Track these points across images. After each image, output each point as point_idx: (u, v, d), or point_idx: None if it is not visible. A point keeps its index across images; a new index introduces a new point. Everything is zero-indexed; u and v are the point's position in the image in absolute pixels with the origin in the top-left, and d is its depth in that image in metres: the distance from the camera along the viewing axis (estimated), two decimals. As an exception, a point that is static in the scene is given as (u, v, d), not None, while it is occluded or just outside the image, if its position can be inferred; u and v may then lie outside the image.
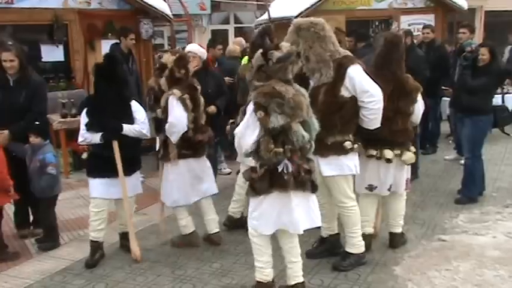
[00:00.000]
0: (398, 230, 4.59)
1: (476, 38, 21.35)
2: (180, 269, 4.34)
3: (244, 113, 3.67)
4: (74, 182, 7.01)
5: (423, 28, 8.46)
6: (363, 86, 3.85)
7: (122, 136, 4.38)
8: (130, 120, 4.43)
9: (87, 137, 4.39)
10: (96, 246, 4.49)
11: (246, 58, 6.09)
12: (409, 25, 10.92)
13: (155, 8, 8.53)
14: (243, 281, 4.05)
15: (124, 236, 4.73)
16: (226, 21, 19.66)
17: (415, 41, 7.76)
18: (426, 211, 5.51)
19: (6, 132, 4.85)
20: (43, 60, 8.18)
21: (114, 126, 4.36)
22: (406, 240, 4.66)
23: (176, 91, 4.45)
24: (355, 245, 4.19)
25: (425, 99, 7.67)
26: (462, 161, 7.41)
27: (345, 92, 3.89)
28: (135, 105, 4.52)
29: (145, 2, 8.42)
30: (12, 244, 4.96)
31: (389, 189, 4.40)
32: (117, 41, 7.68)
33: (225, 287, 4.01)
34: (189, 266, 4.38)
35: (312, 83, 3.99)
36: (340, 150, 3.96)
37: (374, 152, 4.25)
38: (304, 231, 3.60)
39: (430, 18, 10.93)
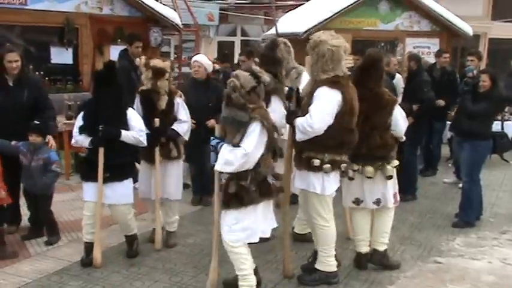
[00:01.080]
0: (381, 247, 4.55)
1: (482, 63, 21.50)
2: (176, 276, 4.37)
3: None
4: (74, 184, 7.04)
5: (442, 52, 8.48)
6: (312, 106, 3.93)
7: (111, 142, 4.41)
8: (125, 127, 4.48)
9: (78, 139, 4.50)
10: (90, 247, 4.55)
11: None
12: (414, 47, 11.07)
13: (165, 17, 8.66)
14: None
15: (128, 238, 4.80)
16: (233, 33, 19.84)
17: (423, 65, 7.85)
18: (423, 233, 5.55)
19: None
20: (52, 62, 8.28)
21: (112, 132, 4.41)
22: (394, 261, 4.61)
23: None
24: (323, 262, 4.22)
25: (432, 123, 7.97)
26: (461, 185, 7.49)
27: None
28: (131, 113, 4.59)
29: (156, 11, 8.55)
30: (11, 242, 5.00)
31: (377, 203, 4.43)
32: (126, 47, 7.78)
33: (220, 297, 4.05)
34: (185, 274, 4.41)
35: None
36: (309, 166, 4.03)
37: (356, 167, 4.30)
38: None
39: (435, 42, 11.08)
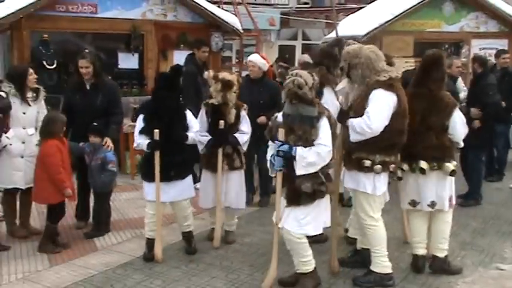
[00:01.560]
0: (441, 254, 4.47)
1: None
2: (233, 274, 4.49)
3: None
4: (139, 184, 7.28)
5: (502, 53, 8.21)
6: (370, 108, 3.97)
7: (167, 145, 4.58)
8: (185, 128, 4.70)
9: (139, 142, 4.68)
10: (151, 243, 4.75)
11: None
12: (481, 49, 10.73)
13: (227, 23, 8.87)
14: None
15: (184, 235, 4.97)
16: (294, 37, 19.93)
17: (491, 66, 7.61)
18: (486, 238, 5.39)
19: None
20: (119, 67, 8.70)
21: (180, 135, 4.65)
22: (455, 267, 4.52)
23: None
24: (377, 263, 4.21)
25: (494, 126, 7.70)
26: None
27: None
28: (189, 115, 4.81)
29: (217, 16, 8.78)
30: (79, 236, 5.33)
31: (431, 206, 4.37)
32: (191, 52, 8.08)
33: (275, 294, 4.12)
34: (242, 272, 4.52)
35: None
36: (360, 166, 4.07)
37: (408, 167, 4.30)
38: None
39: (503, 43, 10.66)
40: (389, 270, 4.23)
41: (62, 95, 6.00)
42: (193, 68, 7.05)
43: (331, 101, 4.69)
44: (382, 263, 4.21)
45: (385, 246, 4.21)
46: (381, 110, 3.97)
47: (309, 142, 3.85)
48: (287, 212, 3.97)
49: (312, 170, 3.85)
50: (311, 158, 3.81)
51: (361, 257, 4.51)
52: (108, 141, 5.33)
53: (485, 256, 4.90)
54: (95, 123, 5.29)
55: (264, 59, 6.49)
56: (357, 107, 4.09)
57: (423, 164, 4.25)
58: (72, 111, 5.34)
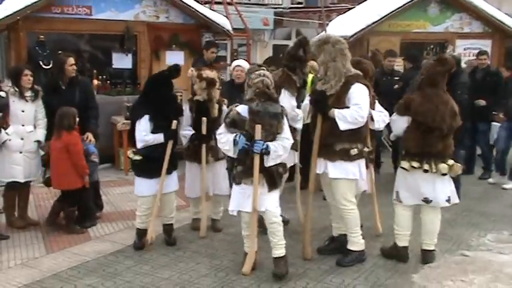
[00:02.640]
0: (432, 247, 4.83)
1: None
2: (216, 260, 4.83)
3: None
4: (132, 179, 7.61)
5: (480, 54, 8.50)
6: (355, 99, 4.38)
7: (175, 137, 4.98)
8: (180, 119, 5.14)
9: (149, 139, 4.88)
10: (142, 233, 5.07)
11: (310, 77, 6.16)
12: (465, 49, 11.06)
13: (217, 23, 9.18)
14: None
15: (167, 227, 5.28)
16: (288, 37, 20.21)
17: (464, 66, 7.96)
18: (456, 229, 5.74)
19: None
20: (114, 66, 9.01)
21: (176, 130, 5.01)
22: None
23: None
24: (356, 243, 4.68)
25: (476, 124, 8.02)
26: (505, 186, 7.54)
27: (348, 104, 4.42)
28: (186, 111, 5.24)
29: (208, 18, 9.09)
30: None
31: (448, 201, 4.71)
32: (181, 51, 8.55)
33: (255, 277, 4.46)
34: (225, 258, 4.87)
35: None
36: (347, 156, 4.47)
37: (428, 166, 4.57)
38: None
39: (487, 44, 10.96)
40: (364, 247, 4.73)
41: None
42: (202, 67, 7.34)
43: (287, 101, 4.97)
44: (359, 242, 4.69)
45: (359, 226, 4.67)
46: (366, 101, 4.44)
47: (274, 135, 4.30)
48: (266, 196, 4.35)
49: (278, 161, 4.33)
50: (280, 151, 4.29)
51: (339, 243, 4.88)
52: (90, 136, 5.71)
53: (453, 244, 5.25)
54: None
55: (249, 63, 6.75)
56: (335, 100, 4.44)
57: (444, 168, 4.57)
58: (49, 111, 5.57)
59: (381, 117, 4.98)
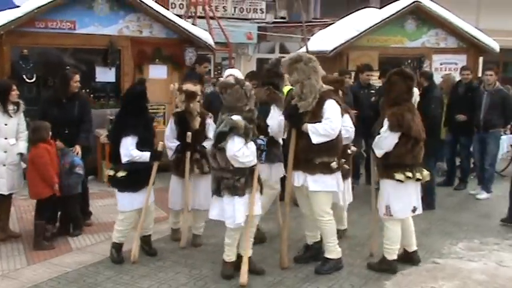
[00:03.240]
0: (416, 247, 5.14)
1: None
2: (196, 269, 4.95)
3: None
4: (114, 191, 7.74)
5: (463, 69, 8.76)
6: (326, 114, 4.61)
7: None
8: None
9: (136, 155, 4.95)
10: (119, 246, 5.17)
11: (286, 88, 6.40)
12: (441, 64, 11.38)
13: (199, 38, 9.35)
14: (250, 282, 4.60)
15: (145, 238, 5.38)
16: (272, 51, 20.49)
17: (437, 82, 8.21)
18: (430, 238, 5.92)
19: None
20: (97, 80, 9.12)
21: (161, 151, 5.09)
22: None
23: None
24: (333, 251, 4.86)
25: (459, 138, 8.28)
26: (478, 196, 7.77)
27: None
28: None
29: (190, 32, 9.25)
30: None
31: (414, 211, 4.96)
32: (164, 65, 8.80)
33: (233, 286, 4.58)
34: (204, 267, 4.99)
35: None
36: (327, 169, 4.63)
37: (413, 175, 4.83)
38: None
39: (462, 59, 11.30)
40: (341, 255, 4.91)
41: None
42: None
43: (277, 116, 5.18)
44: (336, 250, 4.87)
45: (336, 236, 4.86)
46: (338, 116, 4.66)
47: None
48: (257, 201, 4.65)
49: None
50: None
51: (314, 251, 5.07)
52: (77, 148, 5.85)
53: (426, 253, 5.42)
54: (66, 131, 5.84)
55: None
56: (311, 116, 4.63)
57: (427, 174, 4.89)
58: (49, 122, 5.70)
59: (344, 132, 5.12)
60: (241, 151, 4.45)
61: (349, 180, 5.67)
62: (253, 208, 4.62)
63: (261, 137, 4.72)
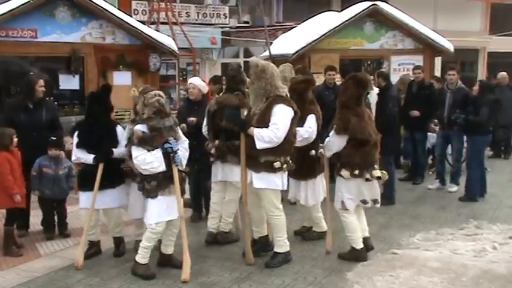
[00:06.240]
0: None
1: (480, 76, 22.23)
2: (165, 268, 5.06)
3: None
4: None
5: (414, 69, 9.19)
6: (273, 119, 4.77)
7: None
8: (115, 141, 5.25)
9: (80, 156, 5.22)
10: (91, 244, 5.37)
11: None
12: (399, 65, 11.78)
13: (163, 44, 9.46)
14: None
15: (115, 240, 5.52)
16: (237, 55, 20.69)
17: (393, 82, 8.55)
18: (389, 230, 6.21)
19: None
20: (60, 88, 9.11)
21: (106, 151, 5.17)
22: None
23: None
24: (282, 245, 5.07)
25: (414, 134, 8.62)
26: (450, 189, 8.10)
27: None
28: (119, 130, 5.35)
29: (154, 39, 9.36)
30: (22, 244, 5.74)
31: (375, 202, 5.25)
32: (128, 72, 8.86)
33: (201, 283, 4.73)
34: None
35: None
36: (270, 168, 4.83)
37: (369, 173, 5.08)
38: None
39: (419, 59, 11.71)
40: (288, 248, 5.10)
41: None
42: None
43: None
44: (284, 244, 5.07)
45: (285, 231, 5.05)
46: (285, 122, 4.78)
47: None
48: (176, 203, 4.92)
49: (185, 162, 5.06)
50: (186, 153, 5.06)
51: (260, 245, 5.32)
52: (62, 153, 6.00)
53: (385, 244, 5.70)
54: (53, 138, 5.94)
55: (204, 81, 7.00)
56: (260, 118, 4.81)
57: (377, 172, 5.10)
58: (17, 129, 5.72)
59: (303, 132, 5.31)
60: (140, 157, 4.71)
61: (318, 179, 5.71)
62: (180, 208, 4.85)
63: (171, 139, 4.80)
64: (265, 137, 4.73)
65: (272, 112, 4.78)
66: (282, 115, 4.78)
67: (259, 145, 4.76)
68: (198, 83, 6.69)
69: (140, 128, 4.76)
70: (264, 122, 4.80)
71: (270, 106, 4.82)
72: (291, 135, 4.88)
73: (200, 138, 5.91)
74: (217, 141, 5.56)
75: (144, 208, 4.95)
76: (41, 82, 6.06)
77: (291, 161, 4.99)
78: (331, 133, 5.09)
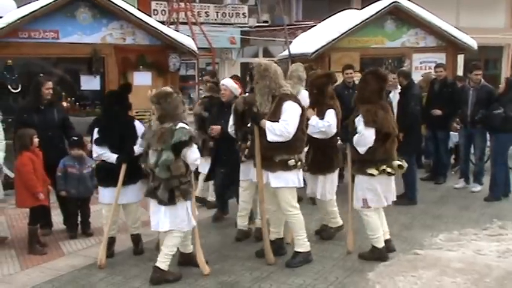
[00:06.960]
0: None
1: (505, 74, 21.88)
2: (185, 268, 5.07)
3: None
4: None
5: (436, 67, 9.06)
6: (284, 115, 4.80)
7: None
8: (134, 137, 5.25)
9: (101, 153, 5.25)
10: (110, 241, 5.37)
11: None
12: (421, 63, 11.62)
13: (182, 44, 9.49)
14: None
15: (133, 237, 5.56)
16: (256, 55, 20.66)
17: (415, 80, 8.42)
18: (411, 231, 6.13)
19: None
20: (82, 88, 9.23)
21: (129, 151, 5.20)
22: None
23: None
24: (302, 245, 5.05)
25: (436, 133, 8.50)
26: (473, 189, 7.97)
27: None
28: (138, 125, 5.38)
29: (173, 39, 9.40)
30: (46, 243, 5.83)
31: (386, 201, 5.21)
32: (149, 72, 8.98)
33: (220, 282, 4.73)
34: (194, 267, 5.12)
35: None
36: (286, 166, 4.85)
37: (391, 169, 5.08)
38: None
39: (441, 57, 11.51)
40: (309, 248, 5.08)
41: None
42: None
43: None
44: (305, 243, 5.05)
45: (304, 230, 5.04)
46: (294, 118, 4.84)
47: None
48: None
49: None
50: None
51: (276, 246, 5.25)
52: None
53: (407, 245, 5.63)
54: (75, 138, 6.02)
55: (237, 83, 6.68)
56: (270, 117, 4.85)
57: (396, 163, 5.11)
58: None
59: (321, 125, 5.39)
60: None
61: (336, 174, 5.76)
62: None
63: None
64: (277, 130, 4.78)
65: (282, 109, 4.84)
66: (291, 112, 4.85)
67: (270, 137, 4.80)
68: (230, 85, 6.44)
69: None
70: (274, 118, 4.85)
71: (280, 104, 4.87)
72: (300, 132, 4.93)
73: (228, 139, 5.92)
74: (249, 142, 5.43)
75: (174, 215, 4.81)
76: (49, 84, 6.11)
77: (303, 159, 5.07)
78: (360, 127, 4.98)
